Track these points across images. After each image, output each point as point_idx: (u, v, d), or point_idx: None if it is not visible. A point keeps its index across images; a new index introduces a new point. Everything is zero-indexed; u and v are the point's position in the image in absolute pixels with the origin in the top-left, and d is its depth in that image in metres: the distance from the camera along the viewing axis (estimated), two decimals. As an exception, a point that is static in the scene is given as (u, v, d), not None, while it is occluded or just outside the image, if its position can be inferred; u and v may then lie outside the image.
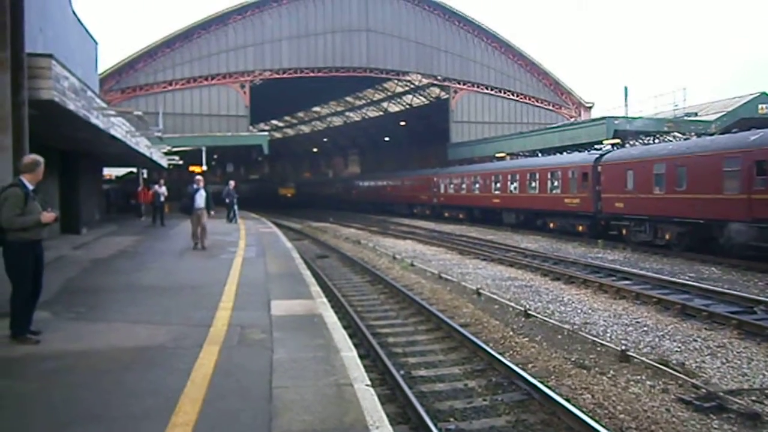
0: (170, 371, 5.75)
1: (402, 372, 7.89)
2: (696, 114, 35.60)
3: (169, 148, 31.27)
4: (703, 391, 7.01)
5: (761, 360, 8.30)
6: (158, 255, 15.58)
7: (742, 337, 9.52)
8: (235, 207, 27.36)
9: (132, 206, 31.76)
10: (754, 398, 6.91)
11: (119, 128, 16.62)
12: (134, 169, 35.53)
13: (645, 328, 10.12)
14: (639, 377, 7.65)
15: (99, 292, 10.03)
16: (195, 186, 16.43)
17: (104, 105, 14.65)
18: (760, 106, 33.93)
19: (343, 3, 44.04)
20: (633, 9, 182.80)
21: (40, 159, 6.84)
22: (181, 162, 37.48)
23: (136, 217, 30.08)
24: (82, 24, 20.92)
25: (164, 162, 32.09)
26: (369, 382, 5.54)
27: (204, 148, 34.94)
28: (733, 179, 17.22)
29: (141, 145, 21.73)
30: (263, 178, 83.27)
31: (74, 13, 19.62)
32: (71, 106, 10.50)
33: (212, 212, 16.80)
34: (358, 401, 4.98)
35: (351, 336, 8.14)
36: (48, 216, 6.67)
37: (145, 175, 36.53)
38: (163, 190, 26.95)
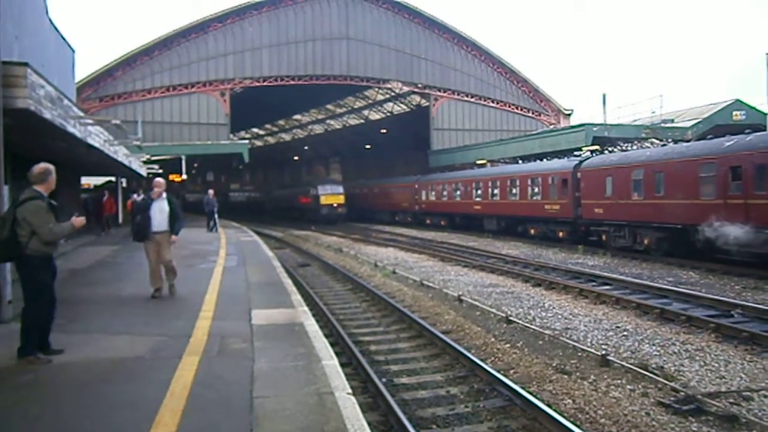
0: (150, 382, 5.70)
1: (384, 380, 7.87)
2: (673, 121, 36.16)
3: (148, 156, 31.01)
4: (682, 394, 7.09)
5: (738, 363, 8.42)
6: (137, 265, 15.37)
7: (720, 340, 9.65)
8: (216, 216, 27.52)
9: (105, 219, 27.61)
10: (731, 400, 7.00)
11: (97, 137, 16.37)
12: (113, 178, 35.10)
13: (625, 333, 10.22)
14: (619, 381, 7.72)
15: (77, 304, 9.87)
16: (149, 195, 10.53)
17: (81, 114, 14.46)
18: (734, 112, 34.49)
19: (324, 11, 44.10)
20: (609, 16, 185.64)
21: (51, 167, 6.53)
22: (161, 171, 37.14)
23: (101, 231, 26.69)
24: (58, 32, 20.66)
25: (143, 171, 31.78)
26: (350, 391, 5.53)
27: (183, 157, 34.73)
28: (709, 185, 17.51)
29: (119, 154, 21.50)
30: (293, 183, 64.48)
31: (51, 20, 19.37)
32: (47, 115, 10.35)
33: (174, 237, 10.33)
34: (339, 410, 4.97)
35: (332, 344, 8.13)
36: (79, 221, 6.51)
37: (125, 184, 36.18)
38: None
